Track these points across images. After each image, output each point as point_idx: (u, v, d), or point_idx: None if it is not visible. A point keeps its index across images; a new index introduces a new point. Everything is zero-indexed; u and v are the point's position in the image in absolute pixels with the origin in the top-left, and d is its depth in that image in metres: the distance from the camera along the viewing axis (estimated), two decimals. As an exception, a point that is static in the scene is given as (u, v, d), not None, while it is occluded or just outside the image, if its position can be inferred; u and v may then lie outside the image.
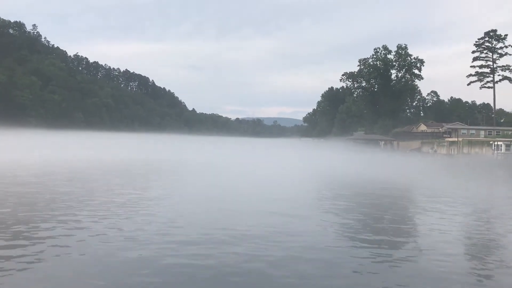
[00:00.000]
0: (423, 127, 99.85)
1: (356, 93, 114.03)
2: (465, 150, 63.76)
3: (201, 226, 12.15)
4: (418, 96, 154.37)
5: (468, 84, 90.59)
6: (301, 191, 22.11)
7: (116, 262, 8.82)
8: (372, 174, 32.63)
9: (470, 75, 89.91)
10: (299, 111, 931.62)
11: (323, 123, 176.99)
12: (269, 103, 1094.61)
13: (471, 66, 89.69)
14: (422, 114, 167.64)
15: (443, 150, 67.90)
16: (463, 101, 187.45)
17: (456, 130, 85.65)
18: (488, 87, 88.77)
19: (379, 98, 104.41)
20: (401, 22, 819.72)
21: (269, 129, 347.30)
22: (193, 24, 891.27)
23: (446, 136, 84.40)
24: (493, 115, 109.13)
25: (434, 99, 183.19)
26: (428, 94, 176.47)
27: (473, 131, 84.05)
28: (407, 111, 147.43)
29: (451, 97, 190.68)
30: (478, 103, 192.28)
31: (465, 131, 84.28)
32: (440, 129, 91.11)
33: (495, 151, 55.01)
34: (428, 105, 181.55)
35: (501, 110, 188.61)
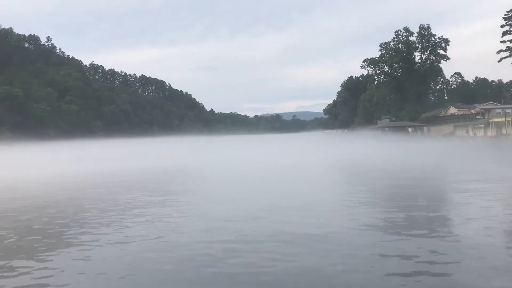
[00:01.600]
0: (453, 110, 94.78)
1: (378, 79, 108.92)
2: (504, 131, 59.15)
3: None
4: (442, 79, 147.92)
5: (499, 61, 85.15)
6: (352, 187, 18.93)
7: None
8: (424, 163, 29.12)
9: (501, 50, 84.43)
10: (318, 103, 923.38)
11: (345, 113, 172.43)
12: (287, 98, 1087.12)
13: (501, 41, 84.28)
14: (446, 98, 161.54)
15: (480, 133, 63.35)
16: (489, 81, 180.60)
17: (489, 110, 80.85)
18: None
19: (404, 83, 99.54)
20: (416, 4, 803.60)
21: (289, 124, 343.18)
22: (205, 25, 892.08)
23: (479, 117, 79.59)
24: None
25: (459, 80, 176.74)
26: (451, 76, 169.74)
27: (509, 110, 78.99)
28: (431, 95, 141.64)
29: (476, 78, 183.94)
30: (505, 81, 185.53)
31: (499, 111, 79.31)
32: (472, 111, 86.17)
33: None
34: (453, 87, 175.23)
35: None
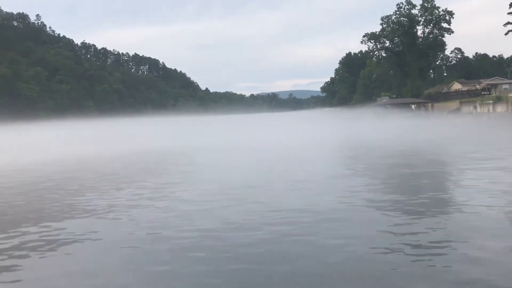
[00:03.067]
0: (457, 86, 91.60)
1: (378, 55, 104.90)
2: (516, 106, 56.37)
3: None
4: (441, 55, 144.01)
5: (506, 34, 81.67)
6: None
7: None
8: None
9: (508, 23, 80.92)
10: (314, 82, 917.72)
11: (343, 91, 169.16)
12: (283, 77, 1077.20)
13: (508, 13, 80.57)
14: (445, 74, 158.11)
15: (490, 108, 60.39)
16: (490, 56, 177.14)
17: (496, 85, 77.87)
18: (529, 36, 79.81)
19: (406, 58, 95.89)
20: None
21: (285, 102, 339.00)
22: (199, 3, 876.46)
23: (485, 93, 76.64)
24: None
25: (459, 56, 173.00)
26: (451, 52, 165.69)
27: (517, 85, 76.29)
28: (431, 71, 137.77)
29: (476, 53, 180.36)
30: (505, 56, 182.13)
31: (507, 86, 76.43)
32: (478, 86, 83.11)
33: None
34: (452, 63, 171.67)
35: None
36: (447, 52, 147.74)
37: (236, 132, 48.84)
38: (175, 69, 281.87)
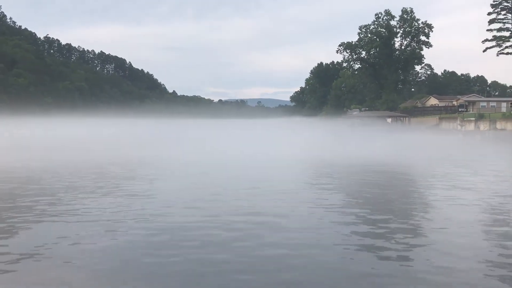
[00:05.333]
0: (433, 101, 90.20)
1: (352, 65, 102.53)
2: (499, 125, 54.44)
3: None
4: (411, 70, 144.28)
5: (484, 51, 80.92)
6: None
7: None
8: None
9: (486, 40, 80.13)
10: (282, 91, 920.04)
11: (314, 101, 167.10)
12: (251, 84, 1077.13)
13: (487, 30, 79.87)
14: (413, 89, 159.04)
15: (471, 126, 58.39)
16: (458, 74, 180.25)
17: (473, 103, 76.60)
18: (507, 53, 79.17)
19: (382, 70, 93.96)
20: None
21: (253, 110, 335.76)
22: (171, 5, 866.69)
23: (462, 110, 75.22)
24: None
25: (428, 72, 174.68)
26: (421, 67, 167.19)
27: (494, 104, 75.12)
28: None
29: (445, 70, 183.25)
30: (472, 76, 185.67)
31: (484, 104, 75.28)
32: (455, 103, 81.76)
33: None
34: (422, 78, 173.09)
35: (495, 83, 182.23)
36: (418, 67, 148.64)
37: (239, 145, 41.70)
38: (142, 69, 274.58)
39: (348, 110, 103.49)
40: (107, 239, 8.53)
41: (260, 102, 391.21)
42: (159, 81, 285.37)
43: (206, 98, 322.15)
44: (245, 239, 8.41)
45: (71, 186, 14.91)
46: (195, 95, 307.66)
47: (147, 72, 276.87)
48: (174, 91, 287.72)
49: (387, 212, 11.01)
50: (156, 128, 77.71)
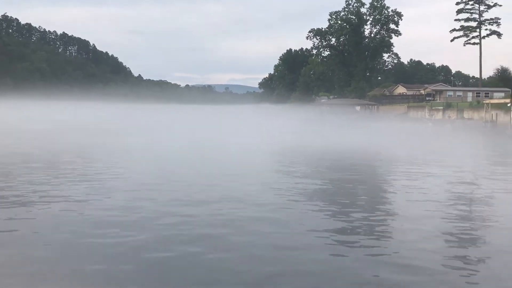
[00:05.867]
0: (401, 89, 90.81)
1: (321, 52, 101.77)
2: (466, 115, 54.93)
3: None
4: (380, 58, 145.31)
5: (452, 40, 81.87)
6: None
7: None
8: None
9: (454, 30, 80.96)
10: (250, 77, 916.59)
11: (282, 88, 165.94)
12: (219, 70, 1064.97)
13: (455, 20, 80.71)
14: (379, 78, 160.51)
15: (439, 115, 58.75)
16: (424, 64, 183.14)
17: (440, 92, 77.38)
18: (474, 43, 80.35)
19: (351, 57, 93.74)
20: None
21: (221, 96, 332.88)
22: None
23: (429, 99, 75.90)
24: (475, 77, 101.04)
25: (395, 61, 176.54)
26: (388, 56, 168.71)
27: (460, 93, 76.14)
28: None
29: (411, 59, 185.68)
30: (437, 65, 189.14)
31: (451, 93, 76.17)
32: (422, 91, 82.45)
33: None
34: (389, 67, 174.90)
35: (459, 73, 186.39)
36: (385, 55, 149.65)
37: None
38: (106, 52, 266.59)
39: (317, 97, 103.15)
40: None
41: (228, 88, 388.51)
42: (124, 64, 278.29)
43: (172, 82, 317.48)
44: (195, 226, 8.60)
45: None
46: (161, 80, 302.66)
47: (112, 55, 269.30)
48: (139, 75, 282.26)
49: (350, 197, 11.87)
50: (120, 113, 75.34)
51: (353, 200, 11.64)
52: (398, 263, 6.84)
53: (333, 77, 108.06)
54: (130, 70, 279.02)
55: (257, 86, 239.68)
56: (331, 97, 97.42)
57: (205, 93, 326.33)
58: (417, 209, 10.33)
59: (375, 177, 16.21)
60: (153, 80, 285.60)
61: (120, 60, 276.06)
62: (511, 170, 18.14)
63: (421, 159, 20.58)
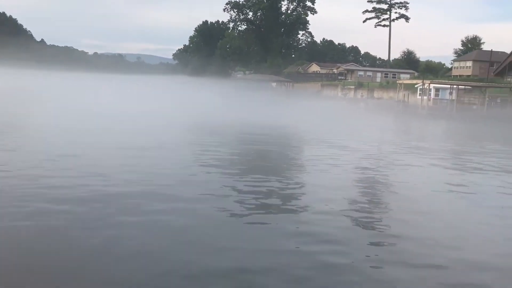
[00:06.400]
0: (315, 68, 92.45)
1: (238, 25, 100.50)
2: (376, 94, 57.05)
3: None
4: (295, 36, 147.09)
5: (364, 21, 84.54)
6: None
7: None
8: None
9: (366, 11, 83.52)
10: (163, 48, 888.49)
11: (197, 61, 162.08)
12: (131, 39, 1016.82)
13: (368, 1, 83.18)
14: (293, 56, 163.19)
15: (351, 94, 60.50)
16: (336, 43, 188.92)
17: (352, 71, 79.88)
18: (384, 26, 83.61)
19: (268, 33, 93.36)
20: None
21: (132, 66, 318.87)
22: None
23: (341, 78, 78.05)
24: (382, 58, 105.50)
25: (309, 39, 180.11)
26: (302, 34, 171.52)
27: (370, 73, 79.13)
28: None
29: (324, 39, 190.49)
30: (347, 45, 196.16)
31: (362, 73, 78.94)
32: (335, 70, 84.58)
33: (425, 97, 47.06)
34: (302, 45, 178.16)
35: (367, 54, 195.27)
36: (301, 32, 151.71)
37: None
38: (3, 12, 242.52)
39: (233, 72, 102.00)
40: None
41: (140, 57, 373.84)
42: (24, 27, 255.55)
43: (79, 49, 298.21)
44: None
45: None
46: (67, 46, 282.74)
47: (10, 16, 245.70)
48: (42, 39, 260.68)
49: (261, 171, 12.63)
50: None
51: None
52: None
53: (250, 52, 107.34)
54: (31, 34, 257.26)
55: (171, 57, 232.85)
56: (247, 72, 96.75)
57: (115, 62, 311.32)
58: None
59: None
60: (58, 46, 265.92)
61: (20, 22, 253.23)
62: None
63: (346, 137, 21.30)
